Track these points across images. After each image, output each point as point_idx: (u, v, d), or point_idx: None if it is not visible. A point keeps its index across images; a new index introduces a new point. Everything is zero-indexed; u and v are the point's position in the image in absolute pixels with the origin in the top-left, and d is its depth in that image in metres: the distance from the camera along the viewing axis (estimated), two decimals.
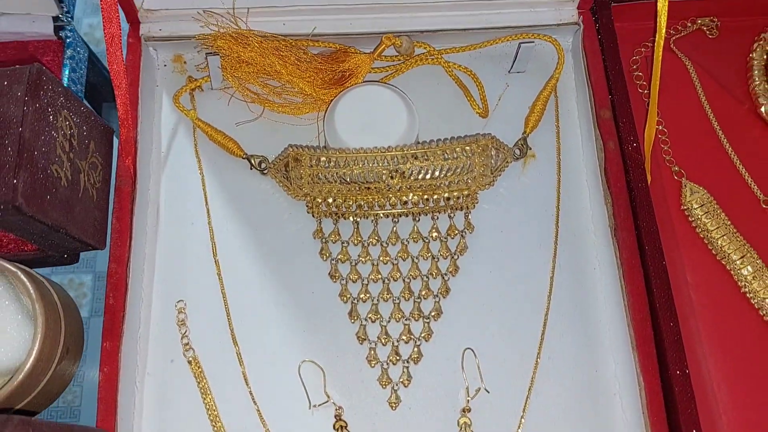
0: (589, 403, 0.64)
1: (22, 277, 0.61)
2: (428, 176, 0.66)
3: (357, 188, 0.67)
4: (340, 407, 0.63)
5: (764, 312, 0.66)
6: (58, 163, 0.58)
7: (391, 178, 0.66)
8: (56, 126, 0.58)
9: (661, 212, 0.70)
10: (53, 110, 0.58)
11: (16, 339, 0.59)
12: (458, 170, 0.66)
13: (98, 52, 0.85)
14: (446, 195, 0.68)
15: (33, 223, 0.56)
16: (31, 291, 0.60)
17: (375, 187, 0.67)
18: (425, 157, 0.66)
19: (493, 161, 0.69)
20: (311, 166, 0.66)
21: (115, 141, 0.70)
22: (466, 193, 0.68)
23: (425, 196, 0.68)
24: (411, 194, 0.67)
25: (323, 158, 0.66)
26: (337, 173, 0.66)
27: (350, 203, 0.68)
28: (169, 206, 0.71)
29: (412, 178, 0.66)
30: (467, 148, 0.66)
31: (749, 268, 0.67)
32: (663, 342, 0.62)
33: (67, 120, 0.60)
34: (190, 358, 0.65)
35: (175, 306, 0.67)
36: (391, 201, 0.68)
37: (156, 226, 0.70)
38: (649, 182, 0.68)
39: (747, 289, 0.67)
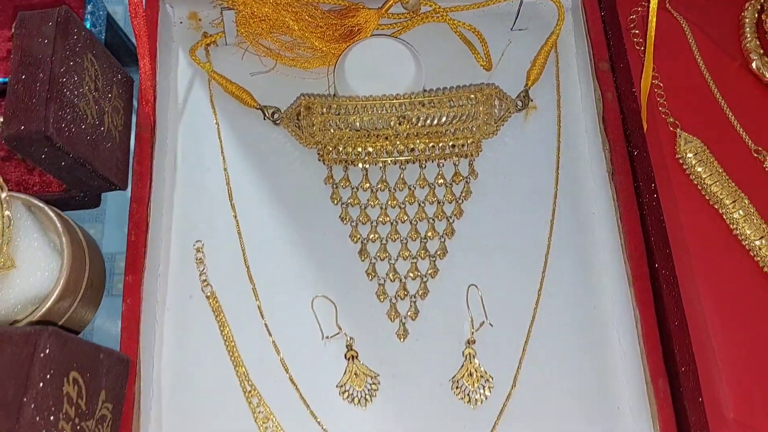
0: (588, 336, 0.67)
1: (50, 213, 0.64)
2: (434, 122, 0.69)
3: (366, 135, 0.70)
4: (351, 338, 0.66)
5: (754, 253, 0.70)
6: (85, 102, 0.61)
7: (399, 124, 0.69)
8: (83, 66, 0.62)
9: (657, 161, 0.73)
10: (80, 51, 0.61)
11: (45, 269, 0.62)
12: (463, 117, 0.69)
13: None
14: (451, 143, 0.71)
15: (62, 155, 0.59)
16: (58, 226, 0.64)
17: (383, 134, 0.70)
18: (432, 105, 0.69)
19: (496, 110, 0.72)
20: (322, 113, 0.69)
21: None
22: (470, 141, 0.71)
23: (431, 144, 0.71)
24: (418, 141, 0.70)
25: (334, 106, 0.69)
26: (347, 120, 0.69)
27: (359, 150, 0.71)
28: (187, 154, 0.74)
29: (419, 124, 0.69)
30: (472, 96, 0.69)
31: (741, 212, 0.71)
32: (658, 278, 0.66)
33: (92, 63, 0.63)
34: (208, 294, 0.68)
35: (193, 246, 0.70)
36: (398, 148, 0.71)
37: (174, 172, 0.73)
38: (645, 130, 0.71)
39: (738, 232, 0.70)
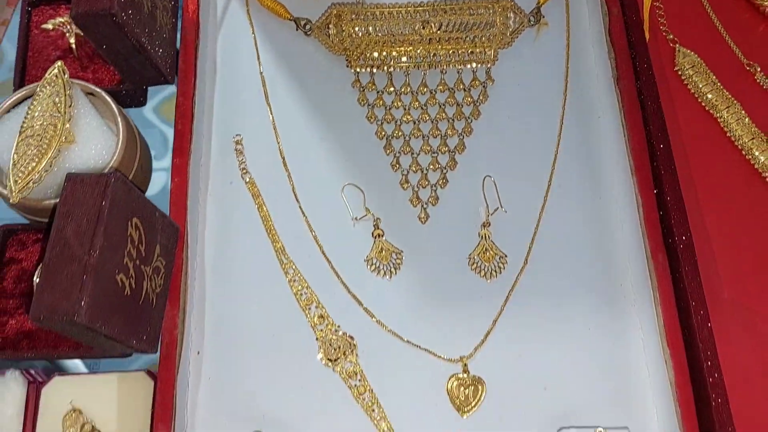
0: (593, 221, 0.73)
1: (106, 97, 0.71)
2: (455, 28, 0.76)
3: (392, 40, 0.76)
4: (378, 218, 0.73)
5: (745, 152, 0.76)
6: None
7: (423, 28, 0.75)
8: None
9: (658, 73, 0.79)
10: None
11: (102, 146, 0.68)
12: (481, 25, 0.76)
13: None
14: (470, 50, 0.78)
15: (122, 37, 0.65)
16: (114, 109, 0.70)
17: (408, 39, 0.76)
18: (453, 11, 0.75)
19: (511, 23, 0.78)
20: (351, 20, 0.76)
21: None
22: (487, 49, 0.78)
23: (451, 50, 0.77)
24: (439, 47, 0.77)
25: (362, 12, 0.76)
26: (374, 25, 0.75)
27: (385, 55, 0.77)
28: (225, 60, 0.80)
29: (441, 29, 0.76)
30: (489, 6, 0.76)
31: (734, 116, 0.77)
32: (658, 168, 0.72)
33: None
34: (247, 180, 0.74)
35: (233, 139, 0.76)
36: (420, 53, 0.77)
37: (214, 74, 0.79)
38: (647, 39, 0.78)
39: (731, 134, 0.77)
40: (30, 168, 0.65)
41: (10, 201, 0.64)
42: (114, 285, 0.56)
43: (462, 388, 0.67)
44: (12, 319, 0.66)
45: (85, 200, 0.56)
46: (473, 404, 0.66)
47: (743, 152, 0.76)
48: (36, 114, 0.66)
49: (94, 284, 0.53)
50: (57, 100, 0.67)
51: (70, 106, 0.67)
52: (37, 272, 0.64)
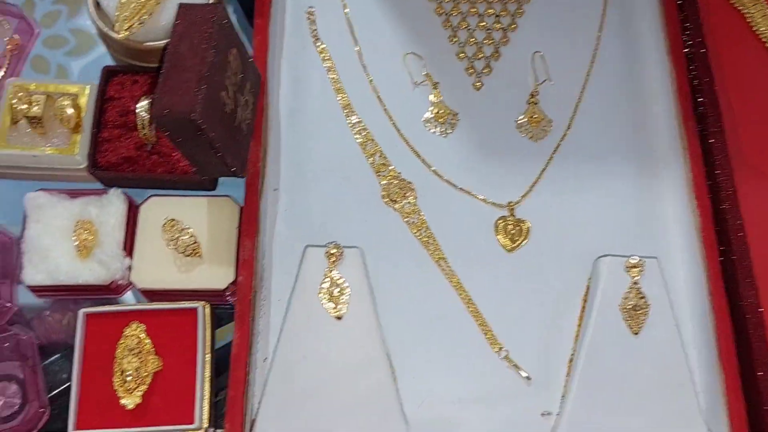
0: (630, 94, 0.81)
1: None
2: None
3: None
4: (437, 82, 0.81)
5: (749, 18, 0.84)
6: None
7: None
8: None
9: None
10: None
11: None
12: None
13: None
14: None
15: None
16: None
17: None
18: None
19: None
20: None
21: None
22: None
23: None
24: None
25: None
26: None
27: None
28: None
29: None
30: None
31: (759, 12, 0.85)
32: (692, 47, 0.80)
33: None
34: (319, 46, 0.82)
35: (306, 11, 0.84)
36: None
37: None
38: None
39: (756, 28, 0.84)
40: (135, 12, 0.73)
41: (118, 37, 0.72)
42: (218, 99, 0.64)
43: (509, 228, 0.75)
44: (114, 145, 0.74)
45: (196, 21, 0.64)
46: (519, 242, 0.74)
47: (767, 44, 0.85)
48: None
49: (206, 90, 0.61)
50: None
51: None
52: (140, 104, 0.72)
